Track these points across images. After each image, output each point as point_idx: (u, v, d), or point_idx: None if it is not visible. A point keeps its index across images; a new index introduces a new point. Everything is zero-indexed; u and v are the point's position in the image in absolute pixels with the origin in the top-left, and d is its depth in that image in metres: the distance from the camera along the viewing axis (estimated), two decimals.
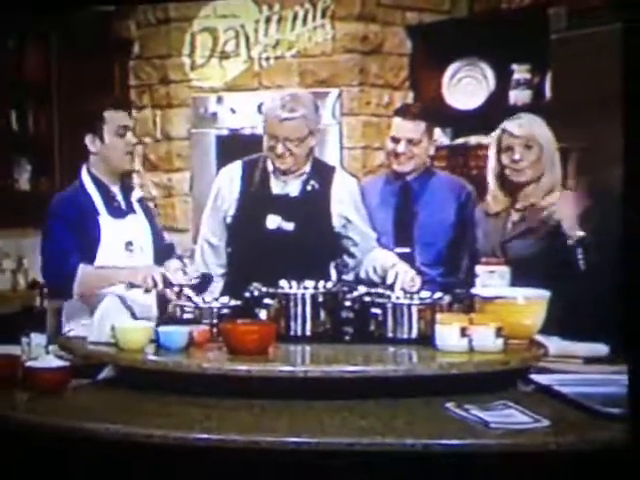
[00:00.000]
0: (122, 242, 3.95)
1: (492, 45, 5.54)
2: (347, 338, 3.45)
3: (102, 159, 3.99)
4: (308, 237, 4.02)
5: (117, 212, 3.99)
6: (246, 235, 4.10)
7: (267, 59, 6.09)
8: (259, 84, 6.09)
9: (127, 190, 4.09)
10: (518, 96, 5.61)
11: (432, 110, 4.63)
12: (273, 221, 4.03)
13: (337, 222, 4.10)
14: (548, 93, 5.29)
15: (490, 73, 5.78)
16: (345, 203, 4.13)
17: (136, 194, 4.13)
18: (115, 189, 4.03)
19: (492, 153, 3.99)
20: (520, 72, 5.61)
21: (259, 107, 5.44)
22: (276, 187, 4.11)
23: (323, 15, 5.98)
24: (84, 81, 6.05)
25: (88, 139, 3.98)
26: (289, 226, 4.03)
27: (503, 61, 5.66)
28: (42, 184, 6.06)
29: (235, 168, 4.21)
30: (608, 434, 2.71)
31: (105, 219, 3.94)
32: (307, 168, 4.10)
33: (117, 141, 3.96)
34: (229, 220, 4.13)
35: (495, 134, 4.01)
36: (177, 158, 6.29)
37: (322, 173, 4.15)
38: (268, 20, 6.07)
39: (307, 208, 4.07)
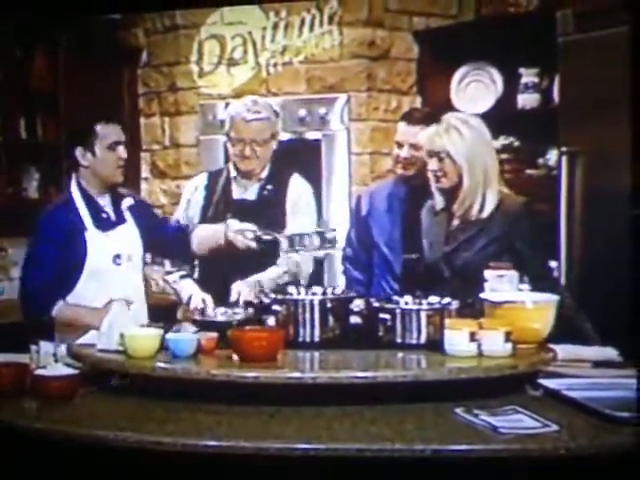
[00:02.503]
0: (110, 255, 4.00)
1: (500, 49, 5.53)
2: (356, 344, 3.44)
3: (92, 172, 4.02)
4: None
5: (105, 224, 4.02)
6: None
7: (275, 65, 6.10)
8: (267, 91, 6.09)
9: (117, 199, 4.10)
10: (526, 100, 5.59)
11: (439, 115, 4.63)
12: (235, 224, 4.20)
13: (289, 223, 4.33)
14: (556, 97, 5.29)
15: (498, 77, 5.76)
16: (298, 207, 4.38)
17: (126, 202, 4.13)
18: (103, 200, 4.05)
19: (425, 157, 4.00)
20: (528, 76, 5.60)
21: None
22: (236, 192, 4.39)
23: (330, 21, 5.97)
24: (93, 90, 6.06)
25: (78, 152, 4.01)
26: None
27: (511, 65, 5.64)
28: (51, 192, 6.06)
29: (201, 178, 4.53)
30: (618, 438, 2.71)
31: (92, 234, 3.98)
32: (264, 174, 4.36)
33: (108, 155, 3.99)
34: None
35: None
36: (185, 165, 6.30)
37: (278, 178, 4.39)
38: (275, 26, 6.08)
39: (262, 210, 4.30)
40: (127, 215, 4.11)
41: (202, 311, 3.72)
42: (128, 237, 4.08)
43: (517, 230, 3.81)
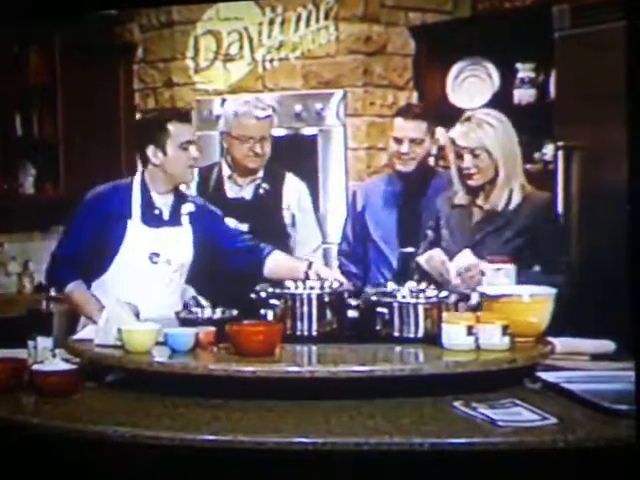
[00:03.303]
0: (147, 251, 3.91)
1: (496, 44, 5.54)
2: (353, 338, 3.44)
3: (163, 171, 3.93)
4: (261, 236, 4.16)
5: (154, 220, 3.94)
6: None
7: (271, 61, 6.09)
8: (263, 86, 6.09)
9: (179, 201, 4.00)
10: (523, 95, 5.60)
11: (435, 110, 4.64)
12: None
13: (287, 221, 4.40)
14: (553, 91, 5.29)
15: (494, 72, 5.77)
16: (294, 204, 4.41)
17: (187, 207, 4.00)
18: (163, 199, 3.97)
19: (450, 156, 3.96)
20: (525, 71, 5.60)
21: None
22: (231, 191, 4.38)
23: (326, 16, 5.97)
24: (89, 85, 6.07)
25: (150, 150, 3.91)
26: (244, 227, 4.25)
27: (507, 60, 5.64)
28: (47, 188, 6.07)
29: None
30: (616, 431, 2.72)
31: (135, 224, 3.91)
32: (260, 172, 4.36)
33: (180, 154, 3.91)
34: None
35: (447, 140, 3.99)
36: None
37: (273, 177, 4.40)
38: (271, 22, 6.07)
39: (260, 209, 4.32)
40: (184, 220, 4.00)
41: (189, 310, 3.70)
42: (175, 241, 3.97)
43: (543, 224, 3.83)
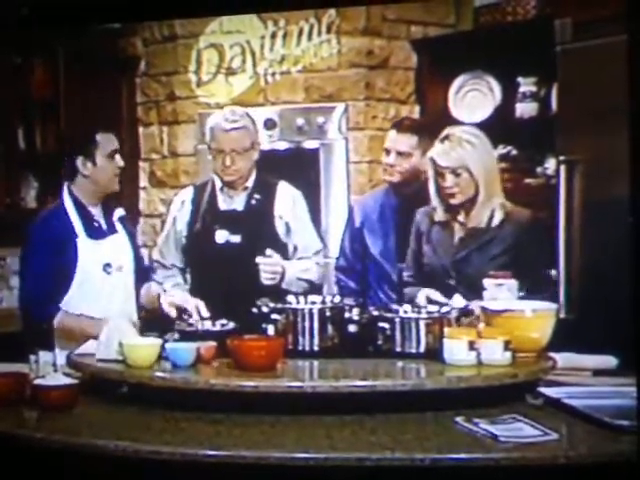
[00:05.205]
0: (100, 264, 4.00)
1: (498, 58, 5.53)
2: (355, 353, 3.44)
3: (92, 182, 4.04)
4: (254, 247, 4.23)
5: (96, 233, 4.04)
6: (201, 252, 4.35)
7: (273, 74, 6.09)
8: (265, 100, 6.09)
9: (109, 210, 4.12)
10: (524, 109, 5.59)
11: (435, 124, 4.63)
12: (221, 236, 4.30)
13: (280, 229, 4.35)
14: (554, 105, 5.29)
15: (496, 86, 5.76)
16: (288, 212, 4.39)
17: (117, 213, 4.15)
18: (95, 210, 4.07)
19: (430, 174, 3.97)
20: (526, 85, 5.59)
21: (265, 123, 5.56)
22: (223, 204, 4.39)
23: (328, 30, 5.97)
24: (91, 98, 6.06)
25: (79, 162, 4.03)
26: (236, 239, 4.29)
27: (509, 74, 5.64)
28: (49, 202, 6.06)
29: (187, 192, 4.54)
30: (617, 446, 2.71)
31: (83, 241, 3.99)
32: (250, 183, 4.36)
33: (108, 164, 4.03)
34: (184, 241, 4.39)
35: (427, 159, 4.00)
36: (184, 174, 6.29)
37: (265, 187, 4.40)
38: (274, 36, 6.08)
39: (251, 220, 4.33)
40: (118, 226, 4.13)
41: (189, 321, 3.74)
42: (119, 247, 4.11)
43: (525, 241, 3.83)
